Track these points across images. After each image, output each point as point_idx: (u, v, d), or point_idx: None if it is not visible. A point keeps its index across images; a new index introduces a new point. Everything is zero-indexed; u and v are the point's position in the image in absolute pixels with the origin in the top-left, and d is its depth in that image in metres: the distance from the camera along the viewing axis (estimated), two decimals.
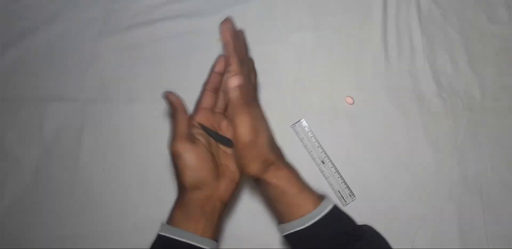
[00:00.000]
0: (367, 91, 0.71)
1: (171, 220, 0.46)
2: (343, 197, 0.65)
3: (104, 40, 0.73)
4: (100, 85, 0.71)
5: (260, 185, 0.47)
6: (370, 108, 0.70)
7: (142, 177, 0.66)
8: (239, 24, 0.74)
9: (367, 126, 0.69)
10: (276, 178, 0.45)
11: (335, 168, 0.66)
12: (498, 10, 0.75)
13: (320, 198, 0.46)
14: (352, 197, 0.66)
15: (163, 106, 0.69)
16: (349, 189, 0.66)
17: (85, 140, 0.68)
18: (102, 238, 0.64)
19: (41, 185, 0.66)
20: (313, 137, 0.68)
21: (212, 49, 0.72)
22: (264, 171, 0.45)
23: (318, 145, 0.67)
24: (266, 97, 0.70)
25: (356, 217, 0.64)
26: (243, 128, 0.44)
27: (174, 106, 0.49)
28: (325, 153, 0.67)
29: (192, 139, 0.47)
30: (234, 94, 0.45)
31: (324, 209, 0.45)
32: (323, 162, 0.67)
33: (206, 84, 0.52)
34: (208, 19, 0.74)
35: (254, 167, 0.45)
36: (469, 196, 0.66)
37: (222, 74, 0.52)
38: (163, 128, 0.68)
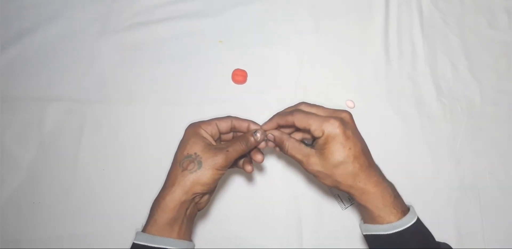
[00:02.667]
0: (367, 95, 0.71)
1: (153, 225, 0.47)
2: (342, 201, 0.66)
3: (104, 40, 0.73)
4: (99, 85, 0.70)
5: (352, 197, 0.50)
6: (370, 112, 0.70)
7: (141, 178, 0.66)
8: (240, 26, 0.74)
9: (367, 129, 0.68)
10: (362, 194, 0.48)
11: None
12: (498, 16, 0.75)
13: (405, 211, 0.48)
14: (351, 200, 0.66)
15: (163, 106, 0.69)
16: None
17: (84, 140, 0.67)
18: (100, 239, 0.64)
19: (39, 185, 0.65)
20: None
21: (212, 50, 0.73)
22: (352, 186, 0.48)
23: None
24: (266, 100, 0.70)
25: (355, 221, 0.65)
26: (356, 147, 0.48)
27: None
28: None
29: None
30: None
31: (408, 222, 0.47)
32: None
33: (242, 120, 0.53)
34: (210, 21, 0.74)
35: (346, 184, 0.48)
36: (467, 200, 0.67)
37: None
38: (163, 128, 0.69)
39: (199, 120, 0.52)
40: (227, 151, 0.48)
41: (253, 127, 0.51)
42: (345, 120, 0.49)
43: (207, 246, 0.63)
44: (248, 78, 0.71)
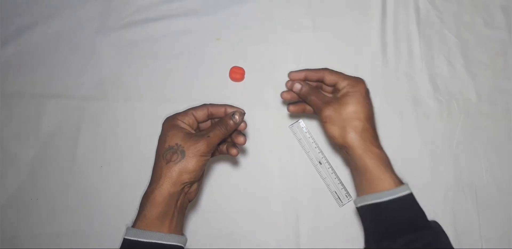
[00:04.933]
0: None
1: (143, 220, 0.46)
2: (339, 198, 0.66)
3: (103, 37, 0.73)
4: (98, 83, 0.71)
5: (351, 155, 0.52)
6: None
7: (139, 175, 0.65)
8: (237, 23, 0.75)
9: None
10: (366, 151, 0.50)
11: (332, 169, 0.67)
12: (494, 14, 0.75)
13: (401, 182, 0.50)
14: (348, 197, 0.66)
15: (160, 104, 0.70)
16: (346, 189, 0.66)
17: (82, 137, 0.68)
18: (98, 236, 0.64)
19: (37, 182, 0.66)
20: (310, 138, 0.68)
21: (210, 48, 0.73)
22: (358, 139, 0.51)
23: (315, 145, 0.68)
24: (265, 97, 0.70)
25: (353, 218, 0.65)
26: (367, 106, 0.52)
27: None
28: (323, 153, 0.67)
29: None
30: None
31: (404, 190, 0.48)
32: (320, 163, 0.67)
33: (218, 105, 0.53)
34: (207, 18, 0.74)
35: (353, 135, 0.51)
36: (464, 198, 0.67)
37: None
38: (160, 126, 0.69)
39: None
40: (208, 136, 0.48)
41: (229, 110, 0.51)
42: (367, 87, 0.54)
43: (204, 242, 0.63)
44: (245, 75, 0.71)
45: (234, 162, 0.67)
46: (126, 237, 0.46)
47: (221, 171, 0.67)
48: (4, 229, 0.64)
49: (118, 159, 0.67)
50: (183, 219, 0.50)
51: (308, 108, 0.58)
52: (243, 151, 0.68)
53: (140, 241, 0.45)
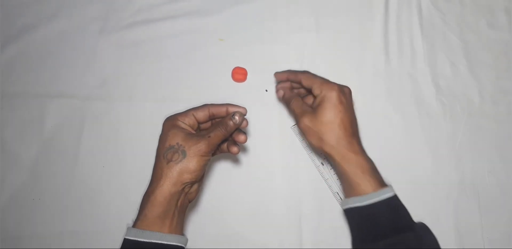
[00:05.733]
0: (367, 94, 0.71)
1: (143, 220, 0.46)
2: (341, 199, 0.66)
3: (105, 37, 0.73)
4: (100, 83, 0.71)
5: (331, 162, 0.56)
6: (369, 110, 0.70)
7: (142, 175, 0.65)
8: (240, 24, 0.75)
9: (366, 128, 0.69)
10: (342, 158, 0.53)
11: (334, 170, 0.67)
12: (497, 15, 0.75)
13: (383, 185, 0.52)
14: None
15: (163, 104, 0.70)
16: None
17: (84, 137, 0.68)
18: (100, 236, 0.64)
19: (40, 182, 0.66)
20: None
21: (213, 48, 0.73)
22: (335, 147, 0.53)
23: None
24: (267, 98, 0.70)
25: None
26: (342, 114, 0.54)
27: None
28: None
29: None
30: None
31: (384, 194, 0.50)
32: (322, 164, 0.67)
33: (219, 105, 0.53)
34: (210, 19, 0.74)
35: (329, 144, 0.53)
36: (466, 199, 0.67)
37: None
38: None
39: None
40: (209, 137, 0.48)
41: (231, 109, 0.51)
42: (344, 90, 0.56)
43: (205, 243, 0.63)
44: (248, 76, 0.71)
45: (237, 162, 0.67)
46: (126, 237, 0.46)
47: (223, 172, 0.67)
48: (6, 229, 0.64)
49: (120, 159, 0.67)
50: (183, 219, 0.50)
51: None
52: (245, 150, 0.68)
53: (140, 241, 0.45)
